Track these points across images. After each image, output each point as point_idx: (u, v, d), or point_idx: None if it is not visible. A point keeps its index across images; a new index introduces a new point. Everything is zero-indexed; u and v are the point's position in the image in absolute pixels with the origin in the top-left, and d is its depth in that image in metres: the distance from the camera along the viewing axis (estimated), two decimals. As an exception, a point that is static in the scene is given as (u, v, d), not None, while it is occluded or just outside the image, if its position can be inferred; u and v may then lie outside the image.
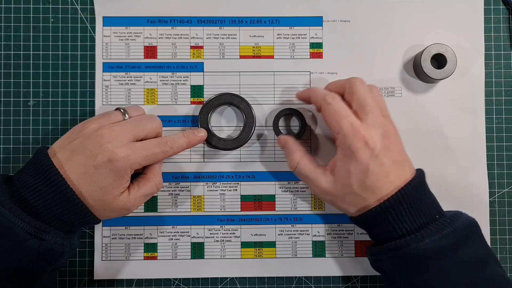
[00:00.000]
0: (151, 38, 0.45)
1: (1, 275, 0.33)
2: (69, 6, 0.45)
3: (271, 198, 0.45)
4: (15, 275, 0.34)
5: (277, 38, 0.45)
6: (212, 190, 0.45)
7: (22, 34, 0.45)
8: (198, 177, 0.45)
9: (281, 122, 0.44)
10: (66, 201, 0.34)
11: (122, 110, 0.39)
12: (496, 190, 0.45)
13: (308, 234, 0.45)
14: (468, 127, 0.45)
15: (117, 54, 0.45)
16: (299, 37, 0.45)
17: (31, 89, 0.45)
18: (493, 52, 0.45)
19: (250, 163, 0.45)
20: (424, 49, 0.43)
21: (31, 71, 0.45)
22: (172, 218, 0.44)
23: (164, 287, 0.44)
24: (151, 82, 0.45)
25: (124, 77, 0.45)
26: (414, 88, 0.45)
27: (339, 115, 0.36)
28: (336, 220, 0.45)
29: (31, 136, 0.44)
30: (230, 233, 0.44)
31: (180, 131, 0.41)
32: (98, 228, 0.44)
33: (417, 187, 0.35)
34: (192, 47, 0.45)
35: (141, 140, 0.37)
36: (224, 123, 0.45)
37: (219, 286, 0.44)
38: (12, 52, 0.45)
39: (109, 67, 0.45)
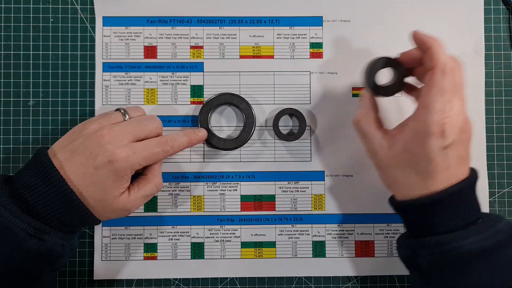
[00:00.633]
0: (151, 38, 0.45)
1: (0, 276, 0.33)
2: (69, 6, 0.45)
3: (271, 198, 0.45)
4: (14, 275, 0.34)
5: (277, 38, 0.45)
6: (212, 190, 0.45)
7: (22, 34, 0.45)
8: (198, 177, 0.45)
9: (281, 122, 0.44)
10: (66, 202, 0.34)
11: (122, 111, 0.39)
12: (496, 190, 0.45)
13: (308, 234, 0.45)
14: (468, 127, 0.45)
15: (117, 54, 0.45)
16: (299, 37, 0.45)
17: (31, 89, 0.45)
18: (493, 52, 0.46)
19: (250, 163, 0.45)
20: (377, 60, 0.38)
21: (31, 71, 0.45)
22: (172, 218, 0.44)
23: (164, 287, 0.44)
24: (151, 82, 0.45)
25: (124, 77, 0.45)
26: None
27: (442, 93, 0.33)
28: (336, 220, 0.45)
29: (31, 136, 0.44)
30: (230, 233, 0.44)
31: (180, 130, 0.41)
32: (98, 228, 0.44)
33: (470, 187, 0.35)
34: (192, 47, 0.45)
35: (141, 140, 0.37)
36: (224, 123, 0.45)
37: (219, 286, 0.44)
38: (12, 52, 0.45)
39: (109, 67, 0.45)
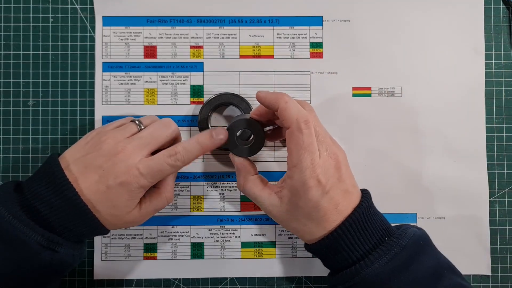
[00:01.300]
0: (151, 38, 0.45)
1: (10, 285, 0.33)
2: (69, 6, 0.45)
3: (271, 198, 0.45)
4: (22, 285, 0.33)
5: (277, 37, 0.45)
6: (212, 190, 0.45)
7: (21, 33, 0.45)
8: (198, 177, 0.45)
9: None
10: (80, 215, 0.34)
11: (137, 122, 0.38)
12: (496, 190, 0.45)
13: (308, 234, 0.45)
14: (468, 127, 0.45)
15: (116, 54, 0.45)
16: (299, 37, 0.45)
17: (30, 89, 0.45)
18: (493, 52, 0.45)
19: (250, 163, 0.45)
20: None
21: (30, 71, 0.45)
22: (172, 218, 0.44)
23: (164, 287, 0.44)
24: (151, 82, 0.45)
25: (124, 77, 0.45)
26: (414, 88, 0.45)
27: (305, 149, 0.34)
28: (336, 220, 0.45)
29: (30, 136, 0.44)
30: (230, 233, 0.44)
31: (194, 136, 0.38)
32: (98, 228, 0.44)
33: (364, 212, 0.35)
34: (192, 47, 0.45)
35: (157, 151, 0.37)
36: (224, 123, 0.45)
37: (219, 286, 0.44)
38: (11, 52, 0.45)
39: (109, 67, 0.45)
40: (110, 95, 0.45)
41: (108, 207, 0.34)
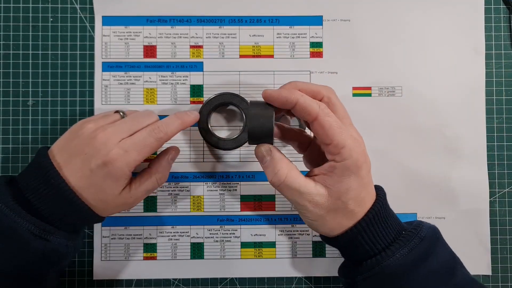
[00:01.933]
0: (150, 37, 0.45)
1: (6, 277, 0.33)
2: (69, 6, 0.45)
3: (271, 198, 0.45)
4: (19, 276, 0.34)
5: (277, 37, 0.45)
6: (212, 190, 0.44)
7: (21, 33, 0.45)
8: (198, 177, 0.44)
9: (281, 122, 0.44)
10: (68, 203, 0.34)
11: (121, 113, 0.38)
12: (497, 190, 0.45)
13: (308, 234, 0.44)
14: (469, 127, 0.45)
15: (116, 54, 0.45)
16: (299, 37, 0.45)
17: (30, 89, 0.44)
18: (493, 52, 0.45)
19: (250, 163, 0.45)
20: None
21: (30, 70, 0.45)
22: (171, 218, 0.44)
23: (164, 287, 0.44)
24: (151, 81, 0.45)
25: (124, 76, 0.45)
26: (414, 88, 0.45)
27: (340, 128, 0.33)
28: (336, 220, 0.45)
29: (30, 136, 0.44)
30: (230, 233, 0.44)
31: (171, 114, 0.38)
32: (97, 228, 0.44)
33: (383, 205, 0.35)
34: (191, 47, 0.45)
35: None
36: (224, 123, 0.45)
37: (219, 286, 0.44)
38: (11, 52, 0.45)
39: (108, 66, 0.45)
40: (110, 95, 0.45)
41: (95, 191, 0.34)
